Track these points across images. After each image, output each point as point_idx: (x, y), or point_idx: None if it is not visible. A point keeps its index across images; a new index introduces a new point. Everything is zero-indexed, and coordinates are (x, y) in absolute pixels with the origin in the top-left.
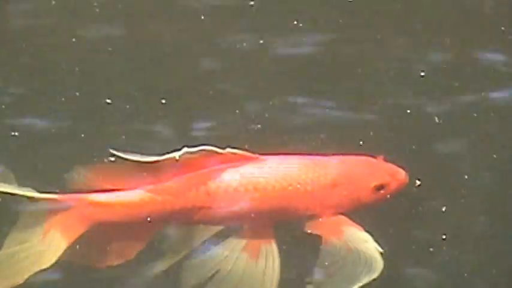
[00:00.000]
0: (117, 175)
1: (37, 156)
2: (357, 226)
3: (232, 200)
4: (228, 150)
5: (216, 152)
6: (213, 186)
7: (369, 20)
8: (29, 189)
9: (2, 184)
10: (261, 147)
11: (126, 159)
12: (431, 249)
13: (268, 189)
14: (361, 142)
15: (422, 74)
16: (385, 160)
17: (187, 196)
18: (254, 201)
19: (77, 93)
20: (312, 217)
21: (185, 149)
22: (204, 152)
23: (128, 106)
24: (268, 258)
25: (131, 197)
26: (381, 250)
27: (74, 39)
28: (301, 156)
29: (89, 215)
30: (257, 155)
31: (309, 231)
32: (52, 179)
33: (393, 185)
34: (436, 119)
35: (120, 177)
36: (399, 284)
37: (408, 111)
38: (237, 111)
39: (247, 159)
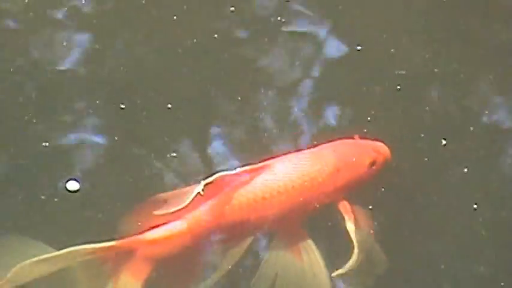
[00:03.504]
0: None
1: None
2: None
3: (265, 207)
4: (238, 169)
5: (230, 175)
6: (244, 200)
7: None
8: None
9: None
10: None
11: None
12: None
13: (290, 190)
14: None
15: None
16: (362, 138)
17: (227, 213)
18: (283, 203)
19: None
20: (330, 204)
21: (203, 182)
22: (220, 177)
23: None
24: (310, 254)
25: (184, 225)
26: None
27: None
28: (298, 154)
29: (150, 254)
30: (265, 163)
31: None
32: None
33: (381, 159)
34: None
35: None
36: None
37: None
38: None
39: (259, 169)
